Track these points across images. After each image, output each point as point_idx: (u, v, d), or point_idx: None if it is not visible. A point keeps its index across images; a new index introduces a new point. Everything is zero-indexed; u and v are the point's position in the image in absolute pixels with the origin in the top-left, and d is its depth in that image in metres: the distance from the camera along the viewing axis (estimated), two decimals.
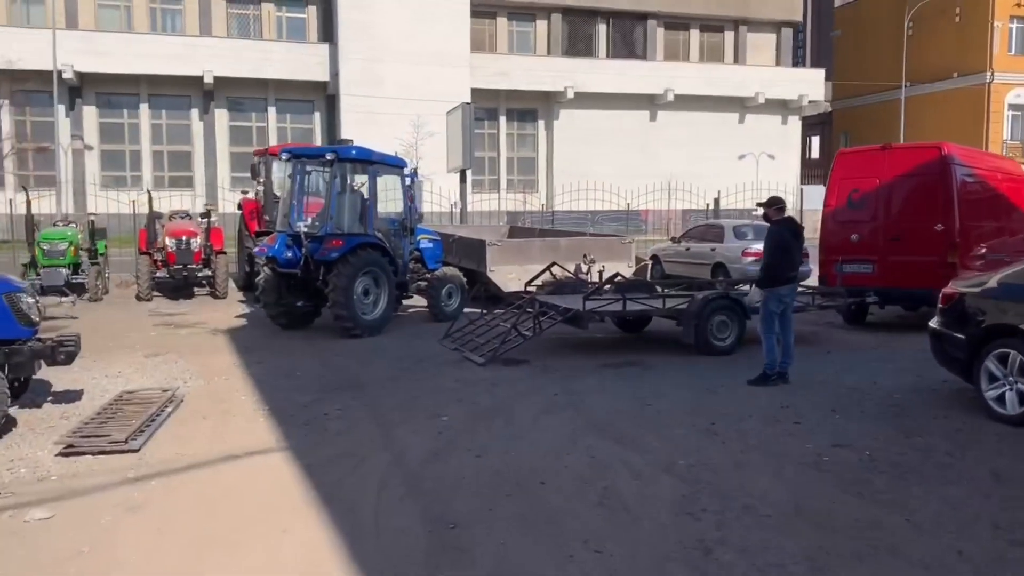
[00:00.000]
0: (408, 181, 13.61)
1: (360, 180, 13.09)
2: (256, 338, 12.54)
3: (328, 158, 12.32)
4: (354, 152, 12.68)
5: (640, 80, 41.14)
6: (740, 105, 43.01)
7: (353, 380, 9.77)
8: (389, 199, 13.92)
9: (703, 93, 41.84)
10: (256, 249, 13.11)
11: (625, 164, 39.31)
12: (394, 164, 13.43)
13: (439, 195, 26.89)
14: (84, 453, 6.87)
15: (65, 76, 35.26)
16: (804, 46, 60.78)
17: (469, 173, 27.51)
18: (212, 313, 14.94)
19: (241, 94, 38.67)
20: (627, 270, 15.58)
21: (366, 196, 12.81)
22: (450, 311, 14.11)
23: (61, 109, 37.09)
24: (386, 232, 13.23)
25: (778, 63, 44.71)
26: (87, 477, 6.40)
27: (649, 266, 19.53)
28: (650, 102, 41.92)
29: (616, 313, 11.30)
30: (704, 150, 41.33)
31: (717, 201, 25.32)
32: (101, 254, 16.95)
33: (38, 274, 15.54)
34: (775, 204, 9.66)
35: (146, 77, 37.00)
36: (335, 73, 37.37)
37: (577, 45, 42.34)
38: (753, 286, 11.21)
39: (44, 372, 8.74)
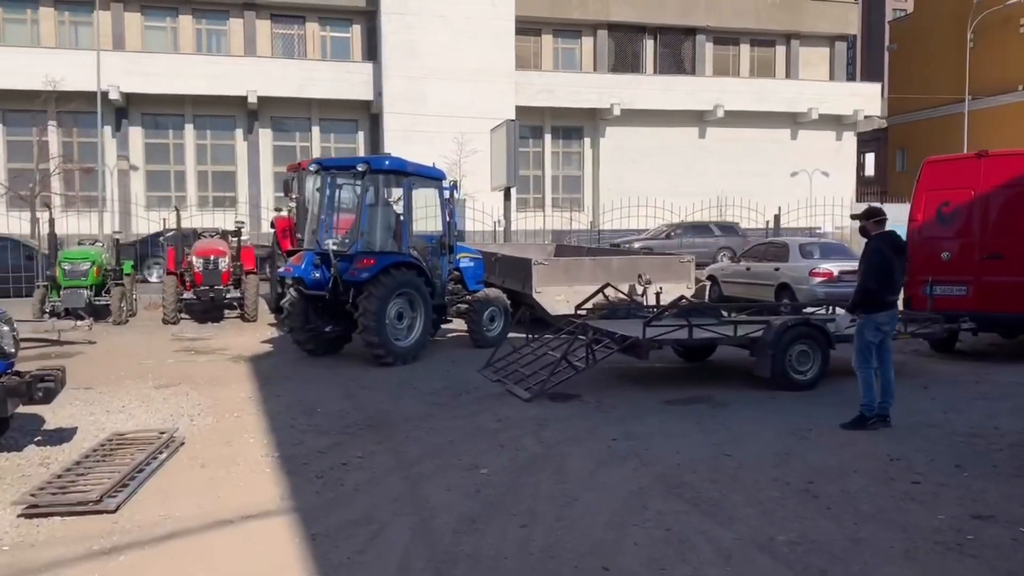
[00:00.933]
0: (447, 195, 12.35)
1: (394, 194, 11.84)
2: (280, 366, 11.31)
3: (359, 169, 11.10)
4: (388, 163, 11.48)
5: (688, 96, 39.60)
6: (792, 121, 41.20)
7: (380, 418, 8.45)
8: (427, 215, 12.69)
9: (754, 109, 40.12)
10: (282, 269, 11.93)
11: (672, 182, 37.67)
12: (432, 176, 12.18)
13: (482, 212, 25.65)
14: (50, 514, 5.62)
15: (111, 97, 34.83)
16: (854, 61, 58.73)
17: (513, 191, 26.41)
18: (238, 338, 13.77)
19: (285, 114, 37.95)
20: (686, 292, 14.11)
21: (400, 211, 11.55)
22: (492, 336, 12.79)
23: (107, 130, 36.78)
24: (422, 250, 11.98)
25: (832, 77, 42.84)
26: (45, 548, 5.13)
27: (708, 287, 18.01)
28: (699, 118, 40.33)
29: (681, 342, 9.83)
30: (755, 167, 39.58)
31: (777, 219, 23.70)
32: (127, 274, 15.93)
33: (59, 296, 14.54)
34: (874, 216, 8.08)
35: (191, 98, 36.43)
36: (379, 92, 36.47)
37: (624, 61, 40.97)
38: (839, 310, 9.69)
39: (40, 407, 7.53)
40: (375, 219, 11.32)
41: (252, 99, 36.07)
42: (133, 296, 16.45)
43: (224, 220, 28.99)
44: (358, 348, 11.69)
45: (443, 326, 13.19)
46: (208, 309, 16.13)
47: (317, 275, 11.35)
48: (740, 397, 9.30)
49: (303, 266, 11.36)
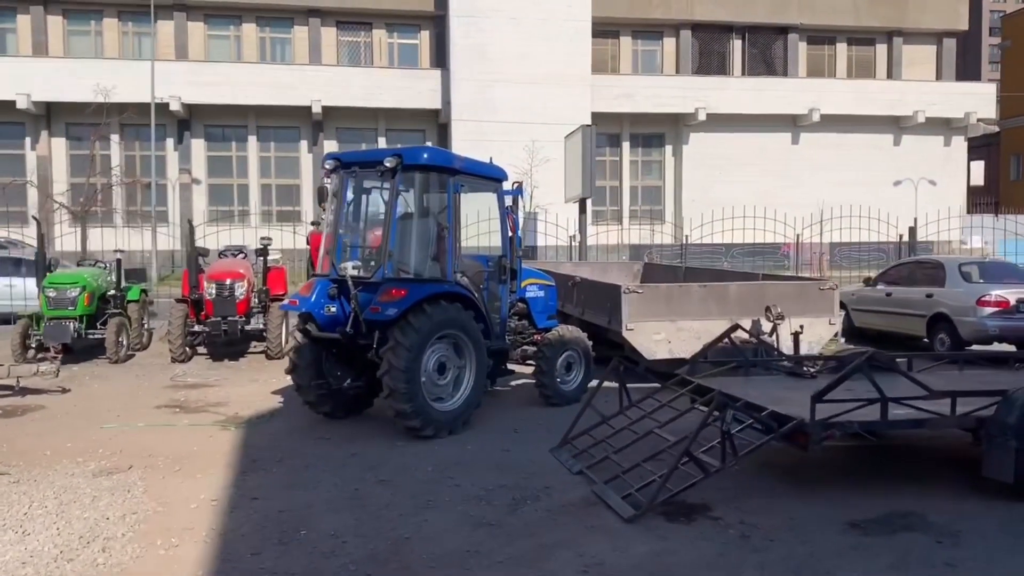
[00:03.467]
0: (509, 200, 9.00)
1: (437, 199, 8.55)
2: (279, 438, 8.03)
3: (387, 165, 7.73)
4: (426, 156, 8.04)
5: (780, 99, 35.56)
6: (895, 125, 36.77)
7: (391, 555, 5.09)
8: (481, 228, 9.44)
9: (852, 112, 35.84)
10: (286, 302, 8.65)
11: (764, 192, 33.60)
12: (488, 176, 8.83)
13: (555, 225, 22.32)
14: None
15: (172, 108, 32.65)
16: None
17: (589, 202, 22.97)
18: (247, 385, 10.58)
19: (350, 124, 35.27)
20: (829, 329, 10.43)
21: (445, 222, 8.23)
22: (569, 391, 9.37)
23: (170, 143, 34.67)
24: (475, 275, 8.62)
25: (939, 77, 38.22)
26: None
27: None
28: (792, 123, 36.24)
29: (870, 426, 6.19)
30: (854, 175, 35.31)
31: (913, 232, 19.54)
32: (132, 301, 12.95)
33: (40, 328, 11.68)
34: None
35: (254, 108, 34.06)
36: (447, 101, 33.51)
37: (709, 63, 37.15)
38: None
39: None
40: (409, 233, 8.03)
41: (316, 109, 33.55)
42: (145, 326, 13.50)
43: (293, 237, 26.33)
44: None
45: (502, 377, 9.69)
46: (232, 341, 12.97)
47: (332, 310, 8.11)
48: (971, 517, 5.66)
49: (312, 298, 8.15)
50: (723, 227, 24.12)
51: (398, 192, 7.90)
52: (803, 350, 9.38)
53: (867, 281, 14.52)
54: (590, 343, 9.78)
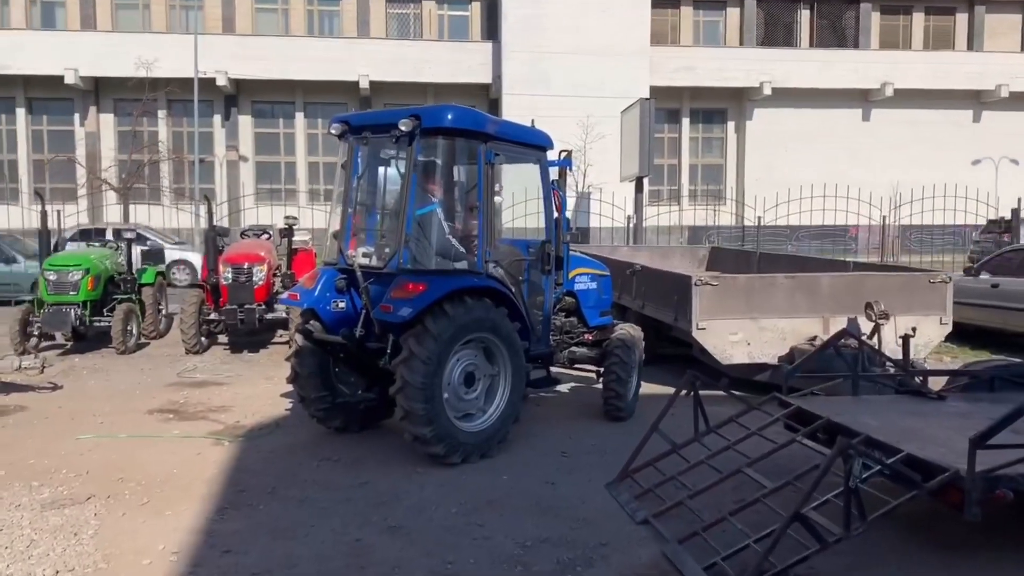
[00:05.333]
0: (554, 173, 7.35)
1: (464, 172, 7.01)
2: (277, 456, 6.60)
3: (403, 128, 6.14)
4: (451, 117, 6.31)
5: (851, 72, 33.12)
6: (975, 100, 34.06)
7: None
8: (519, 208, 7.88)
9: (929, 87, 33.24)
10: (285, 295, 7.14)
11: (832, 171, 31.24)
12: (528, 142, 7.11)
13: (611, 205, 20.63)
14: None
15: (219, 84, 31.65)
16: None
17: (646, 181, 21.26)
18: (259, 384, 9.20)
19: (399, 100, 33.71)
20: (941, 330, 8.65)
21: (475, 200, 6.67)
22: (630, 402, 7.76)
23: (217, 119, 33.72)
24: (512, 265, 6.99)
25: None
26: None
27: None
28: (863, 98, 33.79)
29: None
30: (929, 154, 32.78)
31: (1017, 213, 17.39)
32: (146, 284, 11.69)
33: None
34: None
35: (302, 84, 32.85)
36: (498, 75, 31.91)
37: (775, 34, 34.80)
38: None
39: None
40: (429, 215, 6.48)
41: (364, 84, 32.23)
42: (163, 313, 12.27)
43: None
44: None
45: (546, 386, 8.10)
46: (253, 331, 11.63)
47: (341, 306, 6.63)
48: None
49: (316, 291, 6.66)
50: (789, 209, 22.13)
51: (417, 162, 6.34)
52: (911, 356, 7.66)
53: (968, 270, 12.59)
54: (643, 344, 8.16)
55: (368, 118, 6.83)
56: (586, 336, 7.98)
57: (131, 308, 10.93)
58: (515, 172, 7.32)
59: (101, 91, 32.67)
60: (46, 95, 32.10)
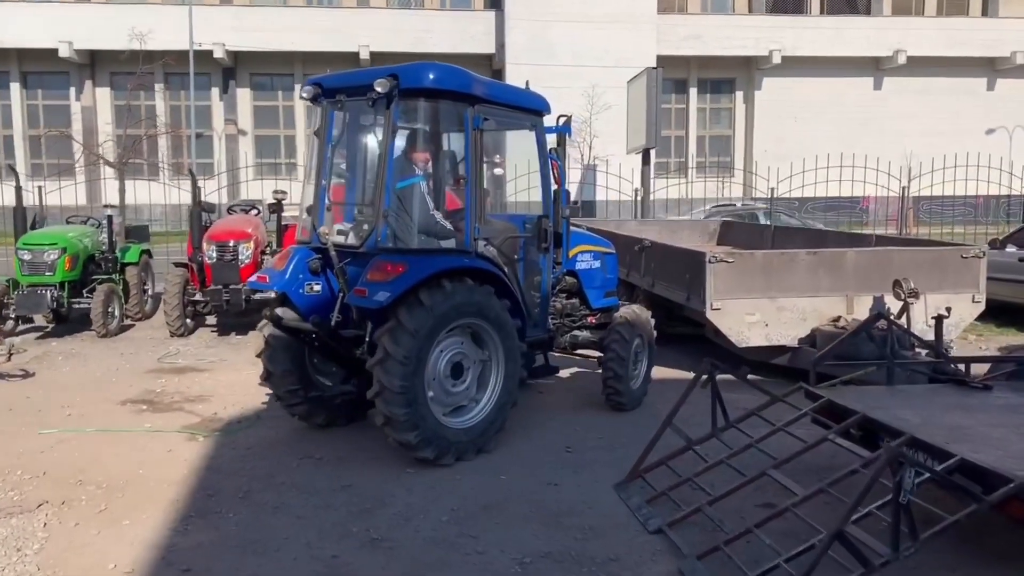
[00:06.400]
0: (552, 141, 6.61)
1: (450, 140, 6.32)
2: (254, 454, 6.00)
3: (378, 90, 5.43)
4: (432, 76, 5.56)
5: (863, 40, 32.14)
6: (990, 68, 33.08)
7: None
8: (514, 179, 7.23)
9: (942, 54, 32.28)
10: (253, 278, 6.48)
11: (843, 141, 30.20)
12: (522, 106, 6.36)
13: (617, 177, 19.89)
14: None
15: (216, 56, 30.87)
16: None
17: (653, 153, 20.49)
18: (244, 370, 8.54)
19: None
20: (974, 308, 8.00)
21: (462, 171, 5.99)
22: (636, 389, 7.13)
23: (215, 92, 32.97)
24: (505, 243, 6.27)
25: None
26: None
27: None
28: (875, 66, 32.83)
29: None
30: (942, 123, 31.87)
31: None
32: (128, 264, 11.07)
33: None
34: None
35: (301, 55, 32.03)
36: (501, 44, 31.04)
37: (785, 1, 33.77)
38: None
39: None
40: (410, 187, 5.78)
41: (365, 55, 31.36)
42: (149, 293, 11.67)
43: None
44: None
45: (546, 375, 7.41)
46: (243, 311, 10.95)
47: (316, 288, 6.00)
48: None
49: (288, 273, 5.97)
50: (803, 180, 21.34)
51: (395, 127, 5.62)
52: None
53: (994, 243, 11.89)
54: (653, 326, 7.48)
55: (343, 79, 6.06)
56: (590, 319, 7.30)
57: (112, 289, 10.33)
58: (514, 140, 6.65)
59: (97, 64, 31.93)
60: (41, 69, 31.37)
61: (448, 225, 5.85)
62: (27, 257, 9.88)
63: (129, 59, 27.51)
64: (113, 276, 10.63)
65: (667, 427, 5.33)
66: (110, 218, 10.68)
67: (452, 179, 6.21)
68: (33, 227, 10.73)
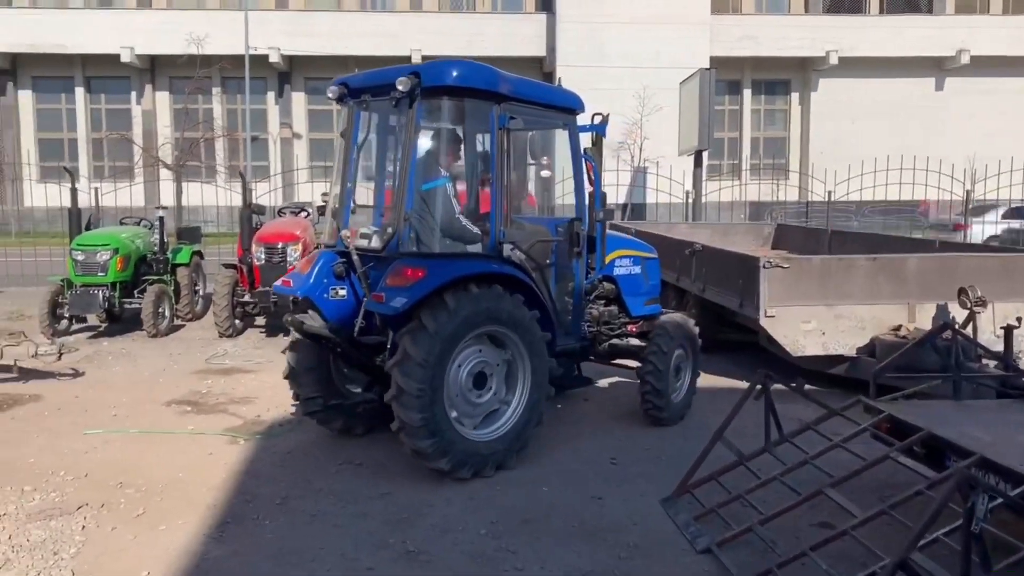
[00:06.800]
0: (586, 141, 6.34)
1: (477, 140, 6.11)
2: (294, 459, 5.90)
3: (400, 88, 5.27)
4: (456, 74, 5.35)
5: (924, 40, 31.19)
6: None
7: None
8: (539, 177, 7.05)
9: (1008, 53, 31.17)
10: (278, 282, 6.33)
11: (902, 144, 29.36)
12: (553, 104, 6.11)
13: (668, 179, 19.55)
14: None
15: (272, 60, 31.25)
16: None
17: (706, 155, 20.15)
18: None
19: None
20: None
21: (488, 171, 5.76)
22: (678, 402, 6.82)
23: (270, 96, 33.39)
24: (535, 247, 6.02)
25: None
26: None
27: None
28: (936, 67, 31.86)
29: None
30: (1007, 125, 30.77)
31: None
32: (179, 265, 11.15)
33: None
34: None
35: (355, 59, 32.18)
36: (552, 47, 30.85)
37: (842, 0, 32.95)
38: None
39: None
40: (433, 187, 5.57)
41: (417, 59, 31.43)
42: (200, 293, 11.75)
43: None
44: None
45: (579, 386, 7.22)
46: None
47: (341, 293, 5.77)
48: None
49: (312, 277, 5.79)
50: (861, 183, 20.72)
51: (418, 127, 5.42)
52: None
53: None
54: (697, 334, 7.13)
55: (368, 79, 5.85)
56: (630, 327, 6.97)
57: (163, 289, 10.41)
58: (563, 141, 6.43)
59: (157, 69, 32.55)
60: (104, 74, 32.08)
61: (473, 228, 5.65)
62: (80, 258, 10.01)
63: (187, 64, 28.03)
64: (164, 277, 10.72)
65: (718, 440, 5.09)
66: (162, 219, 10.77)
67: (478, 181, 6.00)
68: (88, 228, 10.87)
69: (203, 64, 28.80)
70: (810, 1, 32.69)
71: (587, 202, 6.24)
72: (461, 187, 5.90)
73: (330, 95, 5.97)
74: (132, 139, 30.51)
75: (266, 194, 21.86)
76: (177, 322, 11.01)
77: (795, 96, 32.84)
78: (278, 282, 6.18)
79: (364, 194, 6.22)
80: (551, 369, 5.79)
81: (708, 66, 24.49)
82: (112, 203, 18.58)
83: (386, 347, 5.46)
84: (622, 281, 6.86)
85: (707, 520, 4.69)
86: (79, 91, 32.24)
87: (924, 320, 7.26)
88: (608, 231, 6.72)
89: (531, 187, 7.85)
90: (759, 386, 5.05)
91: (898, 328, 7.35)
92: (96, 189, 13.61)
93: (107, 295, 9.96)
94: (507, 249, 5.64)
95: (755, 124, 33.07)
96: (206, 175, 29.88)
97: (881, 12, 32.63)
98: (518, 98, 5.69)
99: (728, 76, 30.95)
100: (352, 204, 6.05)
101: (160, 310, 10.28)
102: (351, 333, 5.65)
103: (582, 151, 6.26)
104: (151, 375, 8.48)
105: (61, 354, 7.82)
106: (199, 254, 11.77)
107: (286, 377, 6.11)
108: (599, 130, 6.40)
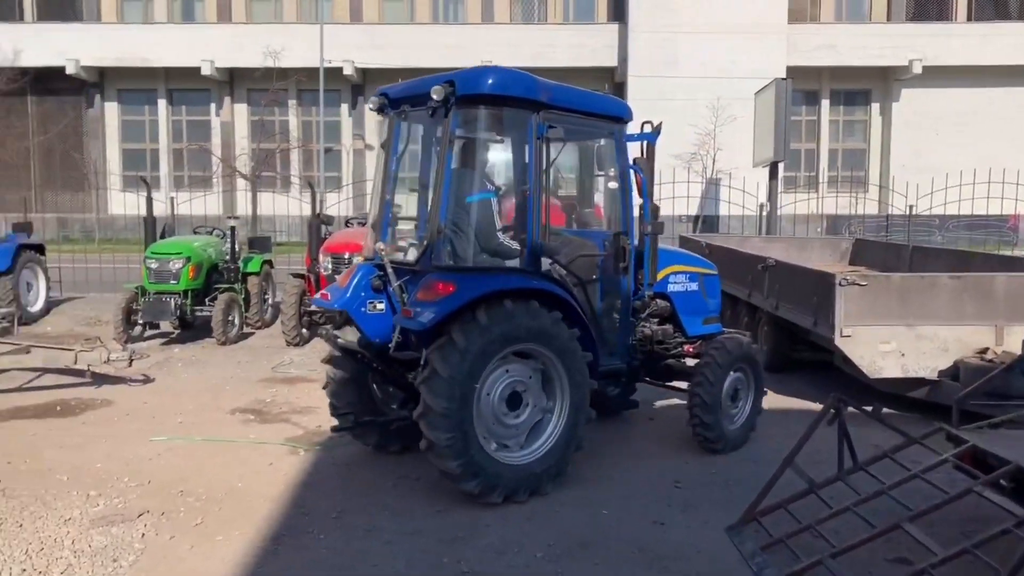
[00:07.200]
0: (634, 151, 6.08)
1: (513, 149, 5.97)
2: (351, 471, 5.88)
3: (434, 97, 5.11)
4: (491, 82, 5.15)
5: (1013, 47, 29.87)
6: None
7: None
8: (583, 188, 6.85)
9: None
10: (318, 295, 6.27)
11: (988, 156, 28.30)
12: (597, 112, 5.86)
13: (741, 191, 19.15)
14: None
15: (346, 73, 31.82)
16: None
17: (781, 167, 19.69)
18: None
19: None
20: None
21: (528, 183, 5.49)
22: (735, 430, 6.43)
23: (344, 108, 33.99)
24: (579, 262, 5.85)
25: None
26: None
27: None
28: None
29: None
30: None
31: None
32: (251, 273, 11.34)
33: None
34: None
35: (427, 72, 32.44)
36: (623, 58, 30.61)
37: (926, 8, 31.87)
38: None
39: None
40: (465, 199, 5.35)
41: None
42: (269, 302, 11.93)
43: None
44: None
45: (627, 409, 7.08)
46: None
47: (380, 307, 5.64)
48: None
49: (349, 291, 5.71)
50: (946, 197, 19.92)
51: (452, 137, 5.25)
52: None
53: None
54: (759, 357, 6.75)
55: (407, 89, 5.70)
56: (687, 348, 6.63)
57: (233, 298, 10.60)
58: (584, 150, 6.25)
59: (236, 81, 33.45)
60: (185, 86, 33.12)
61: (513, 243, 5.47)
62: (154, 266, 10.26)
63: (263, 76, 28.72)
64: (235, 285, 10.91)
65: (788, 466, 4.85)
66: (233, 229, 10.99)
67: (521, 193, 5.77)
68: (162, 237, 11.15)
69: (279, 77, 29.49)
70: (892, 9, 31.72)
71: (636, 214, 6.02)
72: (501, 200, 5.73)
73: (370, 106, 5.89)
74: (210, 150, 31.44)
75: (336, 204, 22.19)
76: (246, 330, 11.20)
77: (875, 106, 31.85)
78: (318, 295, 6.15)
79: (404, 206, 6.15)
80: (593, 390, 5.55)
81: (784, 75, 23.98)
82: (193, 212, 19.13)
83: (419, 363, 5.26)
84: (677, 298, 6.60)
85: (775, 551, 4.47)
86: (162, 103, 33.34)
87: (1013, 343, 6.85)
88: (665, 246, 6.53)
89: (599, 199, 7.64)
90: (832, 410, 4.82)
91: (984, 351, 6.97)
92: (172, 198, 13.97)
93: (179, 303, 10.19)
94: (546, 264, 5.45)
95: (833, 135, 32.18)
96: (281, 185, 30.56)
97: (968, 19, 31.45)
98: (558, 106, 5.48)
99: (805, 86, 30.21)
100: (391, 216, 5.97)
101: (230, 318, 10.46)
102: (385, 348, 5.52)
103: (630, 161, 6.04)
104: (218, 383, 8.62)
105: (132, 360, 8.00)
106: (269, 263, 11.97)
107: (325, 387, 6.02)
108: (650, 139, 6.18)
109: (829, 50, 30.05)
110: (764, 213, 19.18)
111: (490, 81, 5.16)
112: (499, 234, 5.48)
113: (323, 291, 6.11)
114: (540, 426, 5.43)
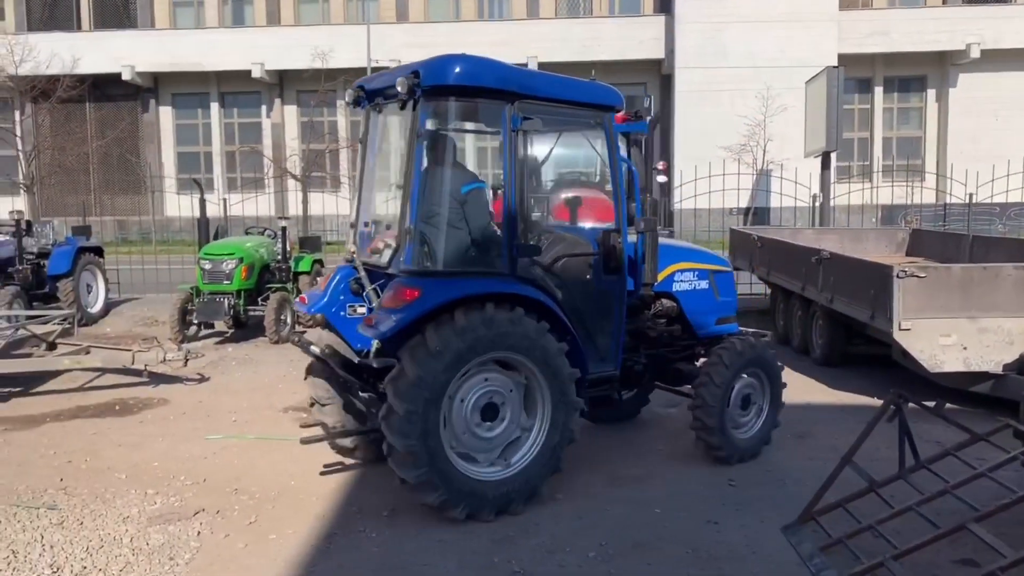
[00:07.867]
0: (626, 141, 5.75)
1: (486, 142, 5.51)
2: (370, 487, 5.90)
3: (399, 89, 4.81)
4: (459, 71, 4.76)
5: None
6: None
7: None
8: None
9: None
10: (297, 300, 6.07)
11: None
12: (582, 101, 5.38)
13: (793, 182, 18.79)
14: None
15: None
16: None
17: (834, 156, 19.22)
18: None
19: None
20: None
21: (501, 180, 5.16)
22: (745, 439, 5.99)
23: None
24: (566, 263, 5.47)
25: None
26: None
27: None
28: None
29: None
30: None
31: None
32: (302, 272, 11.45)
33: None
34: None
35: None
36: (670, 49, 30.24)
37: None
38: None
39: None
40: (438, 196, 4.98)
41: (533, 66, 31.49)
42: None
43: None
44: None
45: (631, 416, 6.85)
46: None
47: (360, 311, 5.32)
48: None
49: (327, 296, 5.44)
50: (1008, 185, 19.26)
51: (420, 132, 4.87)
52: None
53: None
54: (777, 362, 6.21)
55: (380, 80, 5.34)
56: (694, 348, 6.31)
57: (285, 297, 10.71)
58: (574, 143, 5.91)
59: (285, 84, 33.88)
60: (236, 89, 33.65)
61: (485, 243, 5.17)
62: (207, 266, 10.42)
63: (312, 77, 29.03)
64: (286, 285, 11.02)
65: (846, 464, 4.72)
66: (284, 229, 11.10)
67: (491, 191, 5.55)
68: (215, 238, 11.31)
69: (328, 78, 29.78)
70: None
71: (626, 211, 5.62)
72: (477, 198, 5.27)
73: (346, 100, 5.61)
74: (262, 151, 31.91)
75: (385, 203, 22.26)
76: (298, 328, 11.31)
77: (931, 93, 30.98)
78: (297, 299, 5.98)
79: (386, 205, 5.81)
80: (578, 404, 5.18)
81: (836, 63, 23.45)
82: (244, 212, 19.44)
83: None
84: (683, 298, 6.18)
85: (834, 551, 4.34)
86: (214, 106, 33.93)
87: None
88: (673, 241, 6.24)
89: (587, 193, 6.77)
90: (893, 407, 4.67)
91: None
92: (225, 200, 14.19)
93: (232, 303, 10.34)
94: (524, 265, 5.11)
95: (887, 123, 31.39)
96: (331, 185, 30.89)
97: None
98: (536, 96, 5.09)
99: (857, 73, 29.51)
100: (368, 215, 5.70)
101: (282, 317, 10.57)
102: (346, 357, 5.28)
103: (620, 153, 5.62)
104: (271, 381, 8.72)
105: (187, 360, 8.12)
106: (320, 262, 12.06)
107: (311, 403, 5.79)
108: (642, 128, 5.77)
109: (882, 36, 29.31)
110: (817, 204, 18.76)
111: (457, 70, 4.78)
112: (474, 234, 5.14)
113: (303, 294, 5.92)
114: (517, 443, 5.11)
